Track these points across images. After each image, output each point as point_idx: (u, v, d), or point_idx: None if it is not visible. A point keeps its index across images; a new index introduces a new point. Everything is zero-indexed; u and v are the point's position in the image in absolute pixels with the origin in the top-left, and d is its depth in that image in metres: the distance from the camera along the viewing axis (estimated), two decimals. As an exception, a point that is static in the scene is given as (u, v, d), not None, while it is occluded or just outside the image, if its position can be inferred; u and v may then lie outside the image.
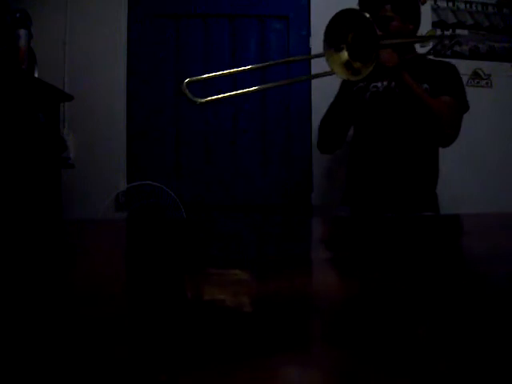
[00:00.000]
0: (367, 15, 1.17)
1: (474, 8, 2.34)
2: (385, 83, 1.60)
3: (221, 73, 1.12)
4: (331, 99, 1.73)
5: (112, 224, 1.15)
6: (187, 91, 1.00)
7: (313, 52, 2.18)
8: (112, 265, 0.46)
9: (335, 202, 2.24)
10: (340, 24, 1.19)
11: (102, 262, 0.46)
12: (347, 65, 1.19)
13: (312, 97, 2.27)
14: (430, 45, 1.66)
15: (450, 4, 2.33)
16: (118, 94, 2.22)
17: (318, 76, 1.27)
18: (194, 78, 1.05)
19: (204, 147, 2.28)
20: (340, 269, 0.42)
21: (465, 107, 1.58)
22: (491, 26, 2.35)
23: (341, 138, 1.72)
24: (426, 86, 1.54)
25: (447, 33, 2.31)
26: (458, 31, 2.31)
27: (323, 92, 2.26)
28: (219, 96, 1.09)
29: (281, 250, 0.54)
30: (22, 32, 1.75)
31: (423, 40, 1.72)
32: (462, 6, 2.34)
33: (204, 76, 1.11)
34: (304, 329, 0.25)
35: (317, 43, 2.22)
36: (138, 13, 2.25)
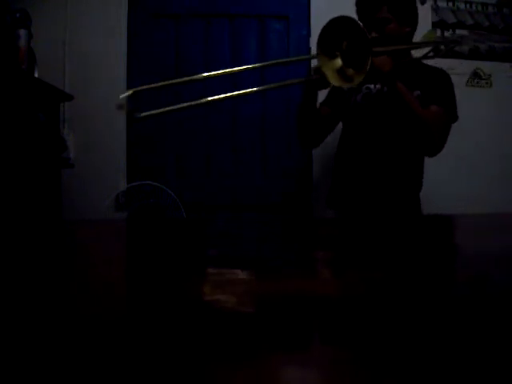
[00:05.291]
0: (360, 23, 1.20)
1: (473, 8, 2.34)
2: (378, 86, 1.60)
3: (177, 81, 1.13)
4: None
5: (112, 224, 1.15)
6: (125, 105, 1.01)
7: (313, 52, 2.18)
8: (112, 265, 0.45)
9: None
10: (334, 31, 1.21)
11: (101, 262, 0.46)
12: (340, 71, 1.22)
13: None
14: (426, 49, 1.64)
15: (450, 4, 2.33)
16: (117, 93, 2.22)
17: (309, 81, 1.31)
18: (139, 87, 1.06)
19: (204, 147, 2.28)
20: (332, 269, 0.42)
21: (453, 117, 1.58)
22: (491, 26, 2.35)
23: (316, 137, 1.70)
24: (418, 92, 1.54)
25: (447, 33, 2.31)
26: (458, 31, 2.31)
27: (324, 91, 2.26)
28: (161, 110, 1.11)
29: (280, 250, 0.54)
30: (22, 32, 1.75)
31: (418, 46, 1.70)
32: (462, 5, 2.34)
33: (152, 85, 1.12)
34: (304, 329, 0.25)
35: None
36: (138, 13, 2.25)
